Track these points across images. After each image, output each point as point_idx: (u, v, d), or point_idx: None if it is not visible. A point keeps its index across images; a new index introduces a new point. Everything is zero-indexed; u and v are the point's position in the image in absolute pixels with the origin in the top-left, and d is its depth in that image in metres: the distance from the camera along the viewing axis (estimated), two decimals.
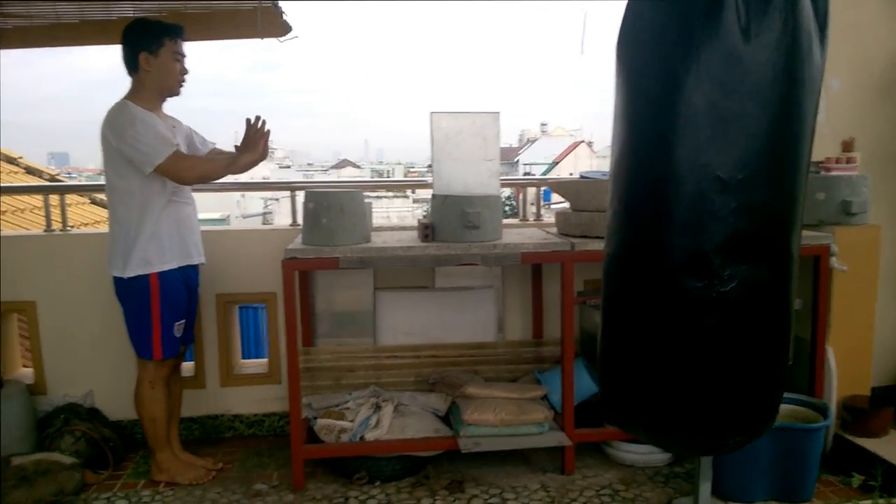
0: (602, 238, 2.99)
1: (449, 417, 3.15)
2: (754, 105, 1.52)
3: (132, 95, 2.77)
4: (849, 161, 3.28)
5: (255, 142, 2.78)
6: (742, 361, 1.64)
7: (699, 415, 1.67)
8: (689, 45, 1.51)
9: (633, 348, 1.72)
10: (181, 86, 2.85)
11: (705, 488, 2.61)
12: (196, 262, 2.98)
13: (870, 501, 2.51)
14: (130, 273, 2.76)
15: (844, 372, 3.13)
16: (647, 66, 1.60)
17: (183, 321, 2.91)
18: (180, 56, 2.82)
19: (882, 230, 3.25)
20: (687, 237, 1.57)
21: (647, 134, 1.62)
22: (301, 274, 3.34)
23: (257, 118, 2.79)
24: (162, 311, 2.81)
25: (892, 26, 3.52)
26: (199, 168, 2.85)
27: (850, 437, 3.04)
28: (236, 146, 2.83)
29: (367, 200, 3.07)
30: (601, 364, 1.87)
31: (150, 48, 2.73)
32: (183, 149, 2.85)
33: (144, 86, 2.77)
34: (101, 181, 2.89)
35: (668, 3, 1.56)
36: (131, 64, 2.77)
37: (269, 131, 2.80)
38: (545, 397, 3.16)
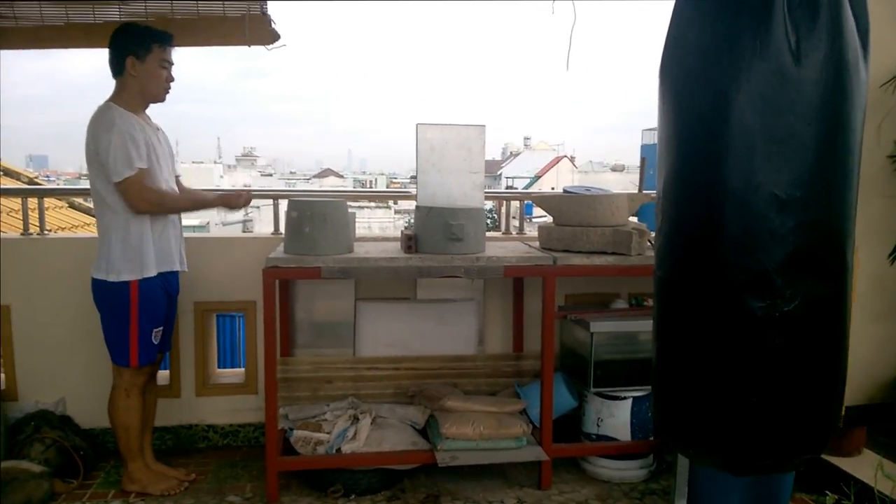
0: (584, 253, 3.04)
1: (427, 430, 3.13)
2: (806, 123, 1.53)
3: (116, 97, 2.76)
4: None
5: (235, 207, 3.08)
6: (807, 378, 1.63)
7: (768, 436, 1.64)
8: (739, 66, 1.51)
9: (694, 372, 1.69)
10: (166, 93, 2.85)
11: None
12: (178, 270, 2.96)
13: None
14: (112, 278, 2.73)
15: None
16: (696, 87, 1.60)
17: (161, 328, 2.88)
18: (167, 63, 2.81)
19: (859, 250, 3.29)
20: (747, 257, 1.56)
21: (699, 155, 1.61)
22: (281, 283, 3.31)
23: (249, 194, 3.13)
24: (140, 317, 2.78)
25: (872, 47, 3.59)
26: (159, 203, 2.79)
27: (825, 456, 3.06)
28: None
29: (350, 210, 3.07)
30: (656, 387, 1.84)
31: (138, 53, 2.72)
32: (162, 162, 2.83)
33: (128, 89, 2.76)
34: (81, 185, 2.86)
35: (713, 26, 1.57)
36: (117, 67, 2.75)
37: (251, 200, 3.16)
38: (524, 411, 3.16)
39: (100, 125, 2.68)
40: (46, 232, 3.57)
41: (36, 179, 7.52)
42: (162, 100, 2.85)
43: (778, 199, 1.53)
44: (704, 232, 1.62)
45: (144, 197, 2.72)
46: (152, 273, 2.79)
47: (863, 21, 1.60)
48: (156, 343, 2.86)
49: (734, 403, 1.63)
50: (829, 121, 1.55)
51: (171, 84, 2.85)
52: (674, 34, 1.66)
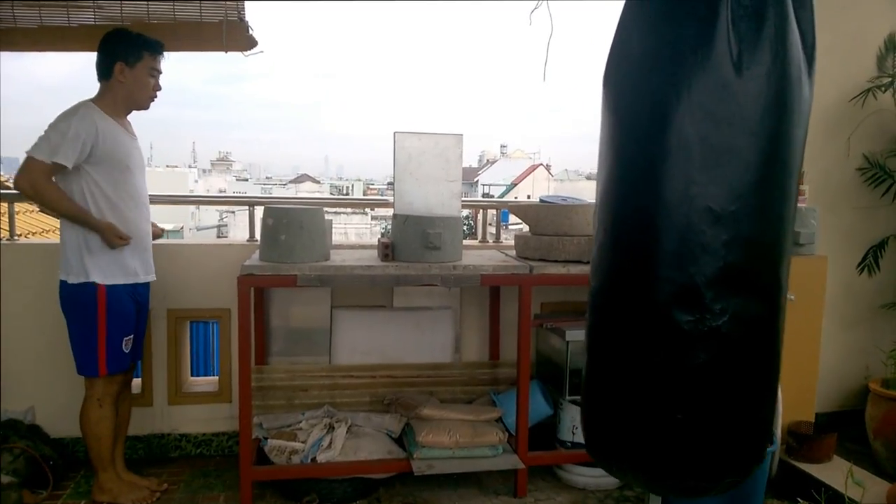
0: (560, 262, 3.05)
1: (403, 439, 3.13)
2: (745, 137, 1.49)
3: (98, 99, 2.74)
4: (798, 193, 3.38)
5: (111, 240, 2.69)
6: (734, 398, 1.57)
7: (691, 455, 1.59)
8: (680, 76, 1.48)
9: (620, 385, 1.64)
10: (151, 101, 2.83)
11: None
12: (143, 281, 2.91)
13: None
14: (80, 279, 2.69)
15: (790, 399, 3.20)
16: (636, 96, 1.57)
17: (132, 336, 2.84)
18: (156, 72, 2.80)
19: (829, 261, 3.36)
20: (677, 270, 1.51)
21: (636, 164, 1.57)
22: (256, 290, 3.29)
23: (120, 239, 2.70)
24: (109, 324, 2.73)
25: (841, 63, 3.66)
26: (43, 193, 2.62)
27: (795, 463, 3.11)
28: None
29: (326, 218, 3.05)
30: (585, 401, 1.80)
31: (128, 60, 2.71)
32: (136, 170, 2.80)
33: (113, 94, 2.74)
34: None
35: (657, 34, 1.54)
36: (105, 71, 2.73)
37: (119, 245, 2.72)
38: (500, 419, 3.17)
39: (67, 111, 2.65)
40: (17, 237, 3.52)
41: (6, 182, 7.38)
42: (146, 108, 2.83)
43: (712, 212, 1.49)
44: (638, 243, 1.58)
45: (34, 181, 2.57)
46: (120, 281, 2.75)
47: (809, 37, 1.58)
48: (127, 352, 2.81)
49: (658, 419, 1.58)
50: (768, 136, 1.52)
51: (158, 93, 2.83)
52: (618, 41, 1.64)
